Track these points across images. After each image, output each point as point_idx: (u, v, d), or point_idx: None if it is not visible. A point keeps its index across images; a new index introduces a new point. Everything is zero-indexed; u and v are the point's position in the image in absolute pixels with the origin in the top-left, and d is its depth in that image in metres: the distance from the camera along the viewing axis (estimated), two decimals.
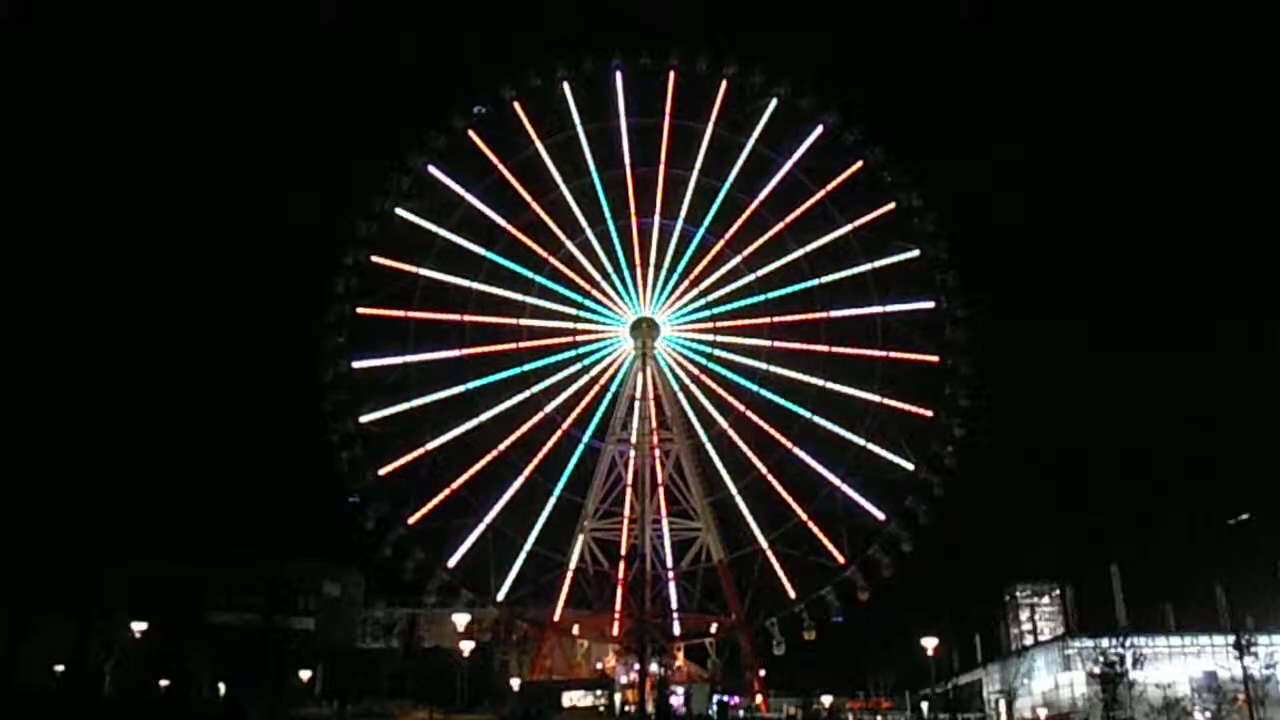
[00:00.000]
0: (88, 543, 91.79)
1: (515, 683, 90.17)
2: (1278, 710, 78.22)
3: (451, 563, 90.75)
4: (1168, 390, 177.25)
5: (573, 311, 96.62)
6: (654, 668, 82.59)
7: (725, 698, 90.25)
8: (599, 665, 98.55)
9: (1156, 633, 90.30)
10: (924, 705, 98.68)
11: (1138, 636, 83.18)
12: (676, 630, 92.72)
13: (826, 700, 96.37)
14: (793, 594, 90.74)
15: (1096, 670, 79.15)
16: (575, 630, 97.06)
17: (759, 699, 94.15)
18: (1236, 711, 76.20)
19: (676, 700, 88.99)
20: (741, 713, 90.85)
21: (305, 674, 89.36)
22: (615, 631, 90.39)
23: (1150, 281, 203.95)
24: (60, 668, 79.48)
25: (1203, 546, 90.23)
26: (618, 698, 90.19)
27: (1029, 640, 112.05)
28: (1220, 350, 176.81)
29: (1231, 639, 75.79)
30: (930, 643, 69.03)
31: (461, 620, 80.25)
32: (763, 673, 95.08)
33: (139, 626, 68.77)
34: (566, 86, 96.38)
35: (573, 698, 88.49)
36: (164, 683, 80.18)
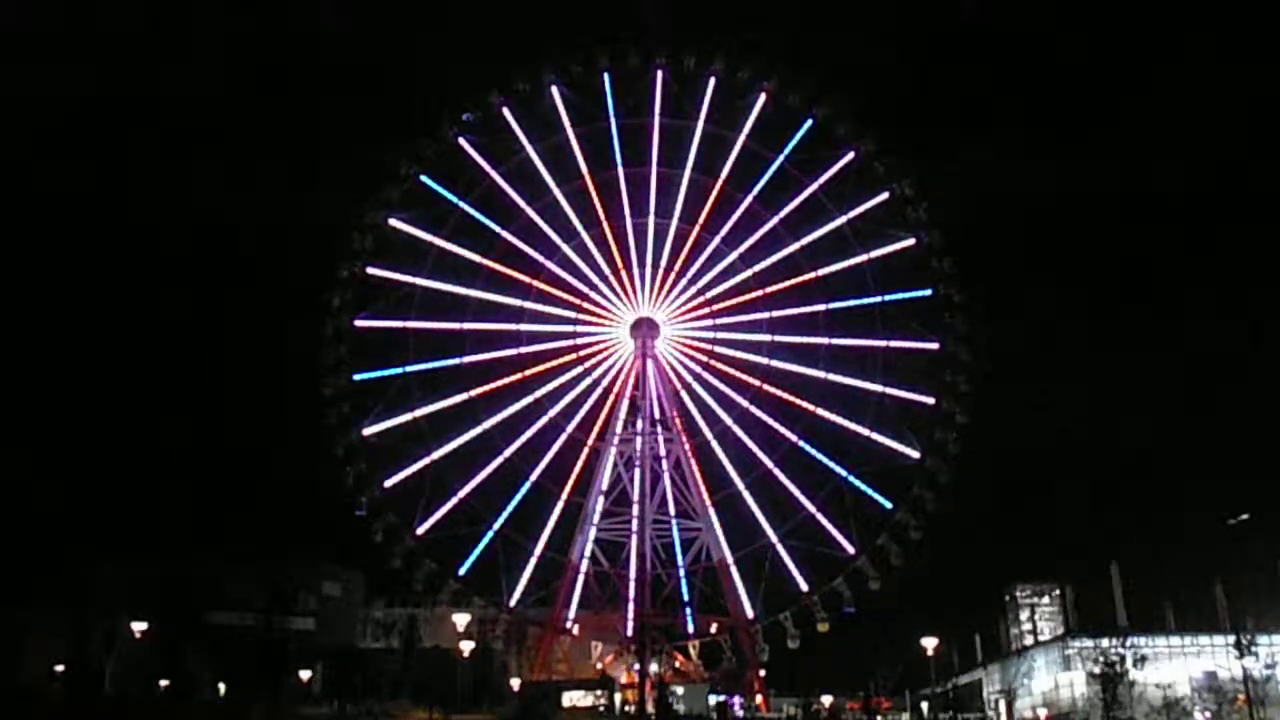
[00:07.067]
0: (88, 543, 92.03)
1: (515, 683, 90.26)
2: (1278, 710, 78.17)
3: (461, 572, 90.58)
4: (1168, 390, 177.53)
5: (571, 314, 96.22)
6: (654, 668, 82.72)
7: (725, 698, 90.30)
8: (599, 665, 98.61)
9: (1156, 633, 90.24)
10: (924, 705, 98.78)
11: (1138, 636, 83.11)
12: (690, 629, 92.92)
13: (826, 700, 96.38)
14: (804, 587, 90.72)
15: (1096, 670, 79.02)
16: (575, 630, 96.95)
17: (759, 699, 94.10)
18: (1236, 711, 76.18)
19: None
20: (741, 713, 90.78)
21: (305, 674, 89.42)
22: (629, 632, 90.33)
23: (1151, 281, 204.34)
24: (60, 668, 79.57)
25: (1203, 546, 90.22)
26: (618, 698, 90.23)
27: (1029, 640, 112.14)
28: (1220, 350, 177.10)
29: (1231, 639, 75.80)
30: (930, 643, 69.11)
31: (461, 620, 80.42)
32: (763, 673, 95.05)
33: (139, 626, 68.92)
34: (554, 89, 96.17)
35: (573, 698, 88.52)
36: (164, 683, 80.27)
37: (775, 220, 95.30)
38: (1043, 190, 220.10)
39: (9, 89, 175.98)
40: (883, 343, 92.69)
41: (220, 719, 76.47)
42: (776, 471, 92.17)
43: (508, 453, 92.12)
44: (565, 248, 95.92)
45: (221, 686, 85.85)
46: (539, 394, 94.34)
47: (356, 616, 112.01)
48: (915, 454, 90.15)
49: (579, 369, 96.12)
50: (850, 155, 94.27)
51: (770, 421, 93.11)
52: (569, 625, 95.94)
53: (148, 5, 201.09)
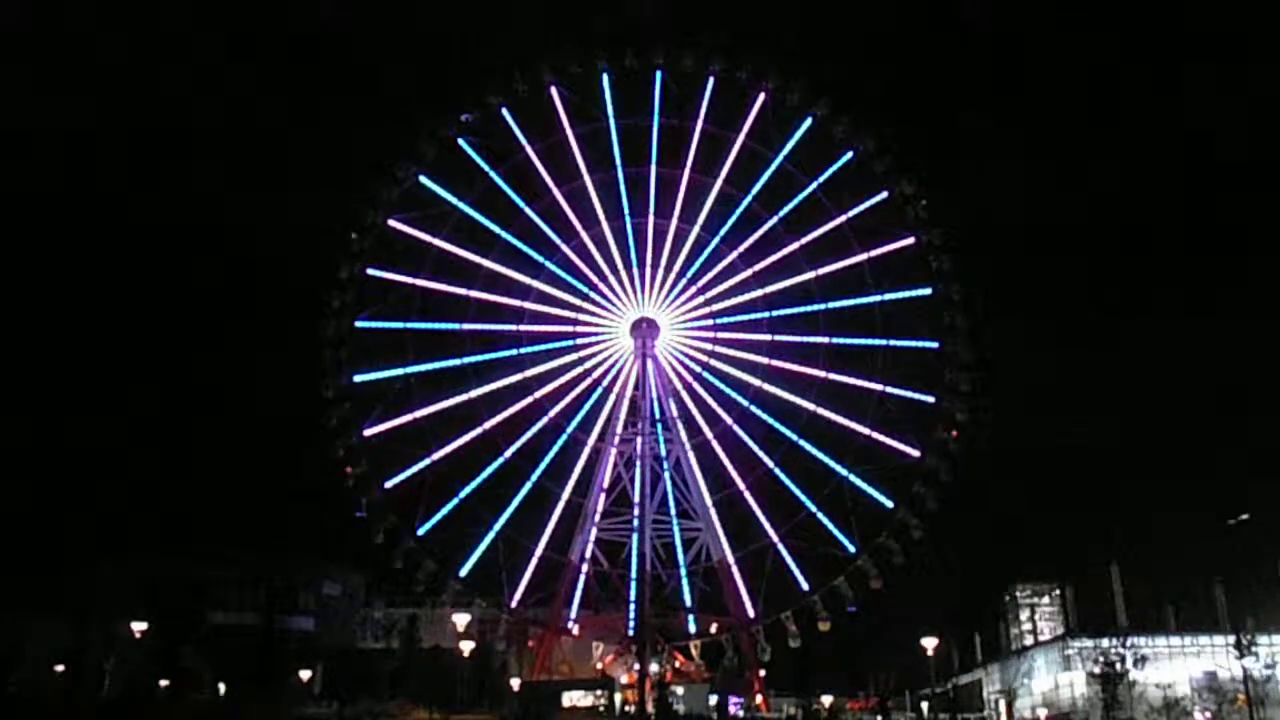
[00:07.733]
0: (88, 543, 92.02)
1: (515, 683, 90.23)
2: (1278, 710, 78.18)
3: (462, 572, 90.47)
4: (1168, 389, 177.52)
5: (571, 314, 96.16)
6: (654, 668, 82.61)
7: (724, 697, 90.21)
8: (599, 665, 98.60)
9: (1156, 633, 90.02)
10: (924, 705, 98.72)
11: (1138, 636, 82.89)
12: (691, 629, 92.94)
13: (826, 700, 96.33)
14: (805, 586, 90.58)
15: (1096, 670, 78.98)
16: (576, 630, 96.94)
17: (759, 699, 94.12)
18: (1236, 711, 76.13)
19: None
20: (740, 712, 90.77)
21: (305, 674, 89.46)
22: (630, 632, 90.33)
23: (1149, 280, 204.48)
24: (60, 668, 79.55)
25: (1203, 546, 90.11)
26: (618, 698, 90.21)
27: (1029, 640, 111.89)
28: (1220, 349, 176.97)
29: (1231, 639, 75.81)
30: (930, 643, 69.00)
31: (461, 620, 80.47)
32: (763, 673, 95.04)
33: (139, 626, 68.91)
34: (553, 90, 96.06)
35: (573, 698, 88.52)
36: (164, 683, 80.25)
37: (775, 220, 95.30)
38: (1039, 190, 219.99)
39: (9, 89, 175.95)
40: (882, 342, 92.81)
41: (219, 718, 76.49)
42: (777, 471, 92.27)
43: (508, 453, 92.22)
44: (565, 248, 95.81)
45: (221, 686, 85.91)
46: (539, 394, 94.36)
47: (356, 616, 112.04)
48: (915, 453, 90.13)
49: (579, 369, 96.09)
50: (850, 155, 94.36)
51: (770, 421, 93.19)
52: (569, 625, 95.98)
53: (148, 4, 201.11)
